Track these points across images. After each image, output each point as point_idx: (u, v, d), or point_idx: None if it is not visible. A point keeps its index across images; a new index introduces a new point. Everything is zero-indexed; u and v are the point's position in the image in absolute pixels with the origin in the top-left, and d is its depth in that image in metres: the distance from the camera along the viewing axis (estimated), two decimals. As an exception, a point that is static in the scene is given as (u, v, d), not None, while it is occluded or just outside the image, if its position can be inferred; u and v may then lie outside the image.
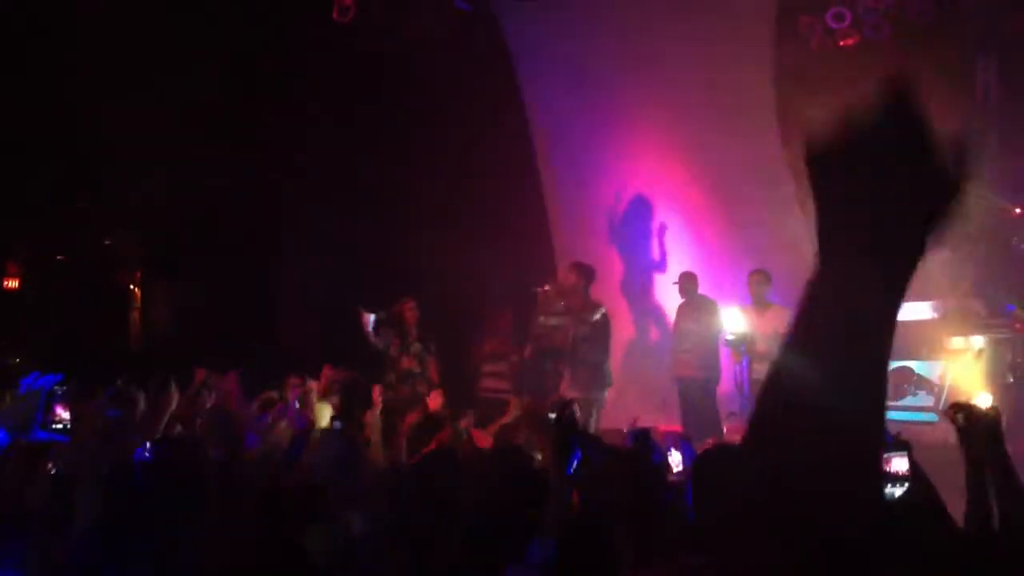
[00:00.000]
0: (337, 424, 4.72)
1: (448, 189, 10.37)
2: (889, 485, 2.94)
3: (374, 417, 5.12)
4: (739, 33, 10.05)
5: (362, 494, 3.64)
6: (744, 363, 8.41)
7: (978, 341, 8.10)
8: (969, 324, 8.27)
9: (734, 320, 8.34)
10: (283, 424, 5.15)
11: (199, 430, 4.71)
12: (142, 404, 4.16)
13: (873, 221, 1.03)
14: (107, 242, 10.44)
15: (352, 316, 8.69)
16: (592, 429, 7.14)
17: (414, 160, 10.46)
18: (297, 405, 5.49)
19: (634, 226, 10.53)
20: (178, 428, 4.61)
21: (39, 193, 9.88)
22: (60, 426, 4.38)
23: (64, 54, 9.16)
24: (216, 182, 9.92)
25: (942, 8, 9.24)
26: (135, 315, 10.69)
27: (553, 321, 8.45)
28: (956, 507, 2.85)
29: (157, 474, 3.33)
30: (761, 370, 8.07)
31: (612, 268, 9.97)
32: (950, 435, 3.35)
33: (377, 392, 5.70)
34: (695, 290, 8.76)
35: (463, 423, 6.10)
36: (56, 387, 4.45)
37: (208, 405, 5.16)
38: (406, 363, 8.50)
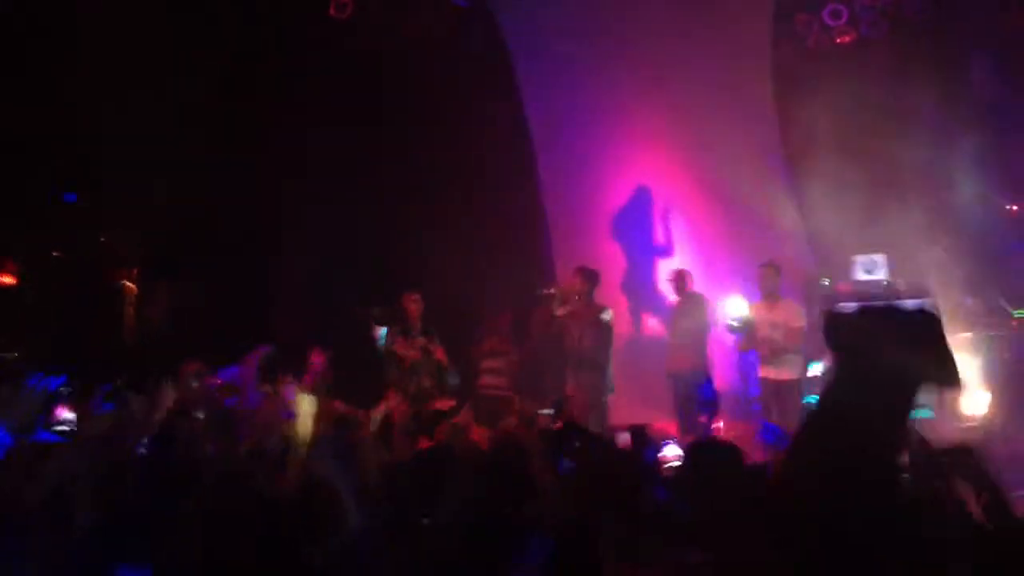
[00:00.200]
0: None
1: (446, 186, 10.38)
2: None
3: (377, 413, 5.13)
4: (737, 30, 10.08)
5: (359, 490, 3.65)
6: (751, 355, 8.51)
7: (973, 338, 8.12)
8: (964, 322, 8.29)
9: (736, 307, 8.40)
10: (276, 419, 5.14)
11: (197, 427, 4.71)
12: (138, 402, 4.17)
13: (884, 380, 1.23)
14: (102, 240, 10.42)
15: (354, 316, 8.72)
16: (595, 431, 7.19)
17: (411, 158, 10.47)
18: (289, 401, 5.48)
19: (632, 222, 10.55)
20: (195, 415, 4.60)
21: (37, 190, 9.88)
22: (64, 427, 4.38)
23: (63, 53, 9.16)
24: (213, 180, 9.92)
25: (939, 6, 9.27)
26: (131, 312, 10.68)
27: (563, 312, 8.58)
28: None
29: (153, 473, 3.34)
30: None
31: (609, 265, 9.98)
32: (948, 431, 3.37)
33: (391, 396, 5.69)
34: (687, 287, 8.85)
35: (461, 419, 6.10)
36: (60, 388, 4.46)
37: (200, 396, 5.16)
38: (412, 356, 8.52)
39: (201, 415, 4.96)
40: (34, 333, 9.42)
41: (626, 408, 8.44)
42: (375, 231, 10.37)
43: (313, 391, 5.91)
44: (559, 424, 5.77)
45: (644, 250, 10.42)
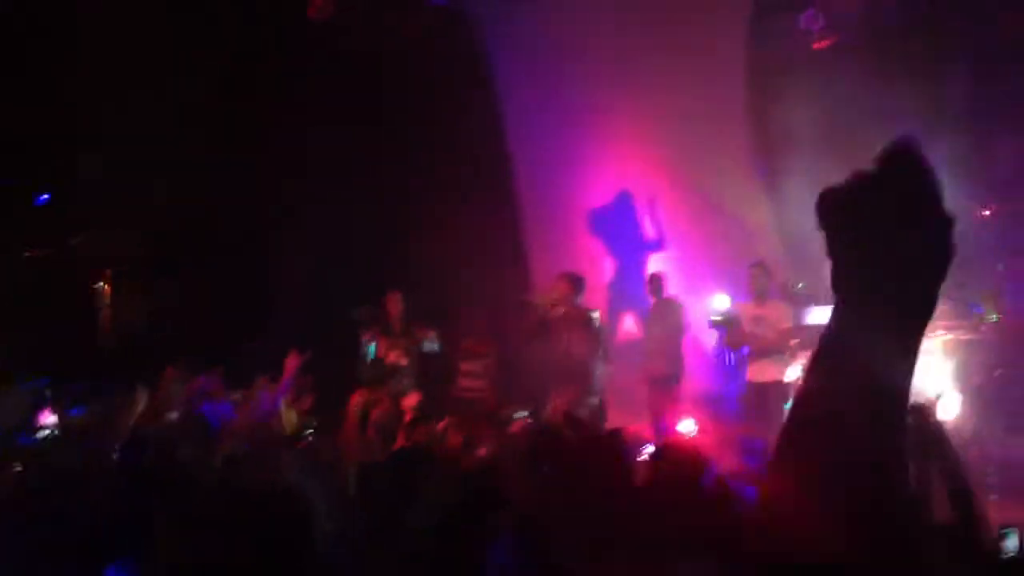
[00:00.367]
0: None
1: (425, 187, 10.38)
2: None
3: (354, 406, 5.14)
4: (713, 33, 10.16)
5: (333, 494, 3.64)
6: (732, 355, 8.58)
7: (946, 342, 8.18)
8: (937, 325, 8.36)
9: (719, 302, 8.47)
10: (251, 423, 5.14)
11: (170, 430, 4.69)
12: (109, 406, 4.14)
13: (887, 285, 1.07)
14: (77, 241, 10.33)
15: (343, 317, 8.75)
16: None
17: (388, 157, 10.47)
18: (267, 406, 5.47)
19: (610, 224, 10.59)
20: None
21: (9, 191, 9.79)
22: (47, 432, 4.34)
23: (48, 52, 9.10)
24: (195, 180, 9.87)
25: (916, 11, 9.33)
26: (107, 315, 10.60)
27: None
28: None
29: (125, 477, 3.32)
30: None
31: (585, 267, 10.00)
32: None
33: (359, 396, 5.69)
34: (662, 291, 8.90)
35: (441, 424, 6.08)
36: (44, 392, 4.43)
37: (178, 403, 5.14)
38: (392, 357, 8.49)
39: (175, 418, 4.94)
40: (7, 336, 9.31)
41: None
42: (356, 229, 10.38)
43: (287, 394, 5.89)
44: (537, 427, 5.78)
45: (620, 252, 10.46)
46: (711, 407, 8.79)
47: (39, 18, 9.29)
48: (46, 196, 10.23)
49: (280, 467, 4.07)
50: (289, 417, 5.42)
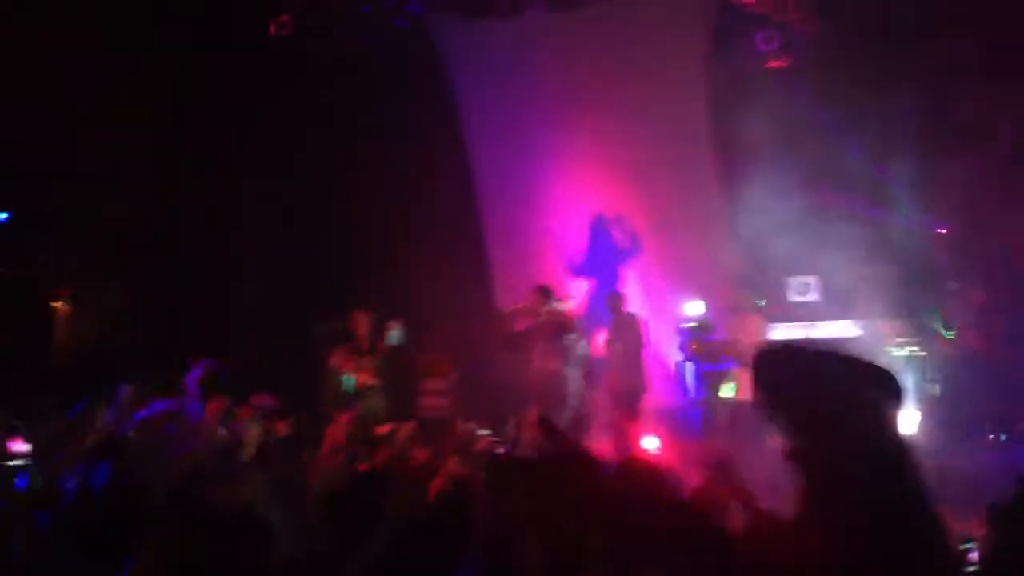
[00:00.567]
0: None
1: (392, 205, 10.38)
2: None
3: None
4: (677, 52, 10.33)
5: (295, 516, 3.62)
6: (697, 369, 8.66)
7: (903, 358, 8.32)
8: (892, 341, 8.49)
9: (692, 308, 8.64)
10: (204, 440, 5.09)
11: (127, 448, 4.62)
12: (66, 425, 4.08)
13: None
14: (37, 257, 10.17)
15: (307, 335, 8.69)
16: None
17: (351, 172, 10.47)
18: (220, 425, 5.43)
19: (577, 242, 10.64)
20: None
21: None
22: (19, 461, 4.24)
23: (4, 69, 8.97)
24: (153, 197, 9.78)
25: (868, 36, 9.51)
26: (63, 334, 10.43)
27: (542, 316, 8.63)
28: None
29: (84, 497, 3.27)
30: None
31: (554, 285, 10.03)
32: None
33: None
34: (621, 308, 8.93)
35: (403, 434, 6.03)
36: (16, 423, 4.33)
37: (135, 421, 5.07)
38: (362, 379, 8.37)
39: (134, 437, 4.87)
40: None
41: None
42: (315, 242, 10.37)
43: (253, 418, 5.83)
44: (502, 446, 5.76)
45: (587, 270, 10.49)
46: (673, 422, 8.83)
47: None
48: (4, 216, 10.06)
49: (240, 487, 4.04)
50: (251, 432, 5.36)
